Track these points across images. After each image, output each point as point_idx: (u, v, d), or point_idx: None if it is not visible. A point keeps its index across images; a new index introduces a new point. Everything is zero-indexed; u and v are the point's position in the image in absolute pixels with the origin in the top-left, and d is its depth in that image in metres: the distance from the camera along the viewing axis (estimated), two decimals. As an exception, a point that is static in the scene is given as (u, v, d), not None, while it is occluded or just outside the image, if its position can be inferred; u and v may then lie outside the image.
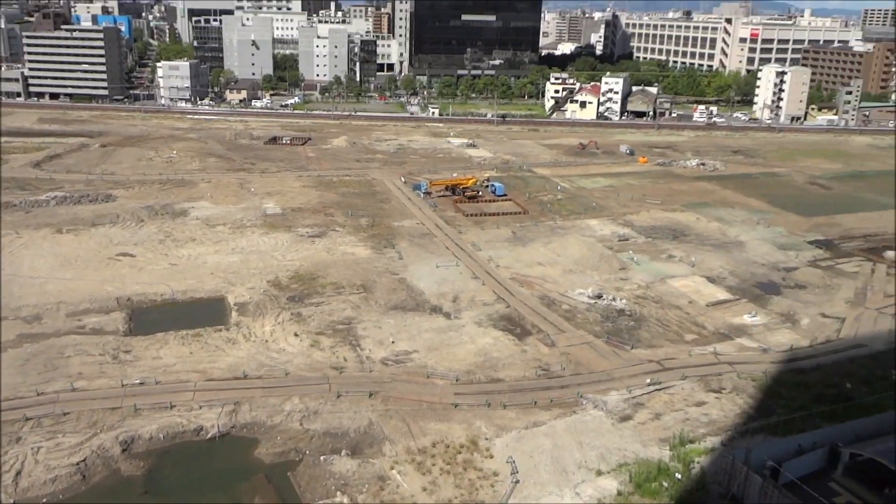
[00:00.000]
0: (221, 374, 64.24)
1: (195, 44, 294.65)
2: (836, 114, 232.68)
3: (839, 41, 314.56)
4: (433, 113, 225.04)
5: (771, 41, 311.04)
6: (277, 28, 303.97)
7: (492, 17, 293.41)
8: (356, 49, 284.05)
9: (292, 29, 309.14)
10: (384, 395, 61.51)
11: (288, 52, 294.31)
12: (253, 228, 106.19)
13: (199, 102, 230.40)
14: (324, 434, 56.21)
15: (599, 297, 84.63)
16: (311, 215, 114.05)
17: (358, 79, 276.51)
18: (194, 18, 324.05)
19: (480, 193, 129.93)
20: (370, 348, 70.14)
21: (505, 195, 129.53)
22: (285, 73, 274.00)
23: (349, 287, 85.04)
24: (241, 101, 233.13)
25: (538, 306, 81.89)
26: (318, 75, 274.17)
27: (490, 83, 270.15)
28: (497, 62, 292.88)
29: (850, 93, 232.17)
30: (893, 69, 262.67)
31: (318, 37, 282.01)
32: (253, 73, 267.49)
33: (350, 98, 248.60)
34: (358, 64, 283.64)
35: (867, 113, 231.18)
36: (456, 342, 72.23)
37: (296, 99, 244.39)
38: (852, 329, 78.10)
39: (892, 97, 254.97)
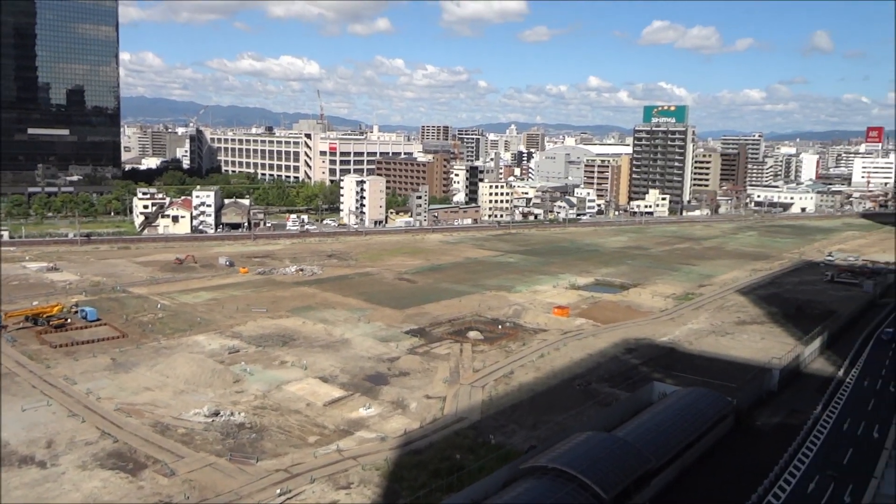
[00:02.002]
0: None
1: None
2: (411, 216, 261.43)
3: (405, 153, 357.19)
4: (2, 236, 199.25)
5: (348, 154, 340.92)
6: None
7: (65, 131, 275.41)
8: None
9: None
10: (-33, 576, 50.66)
11: None
12: None
13: None
14: None
15: (217, 414, 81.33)
16: None
17: None
18: None
19: (69, 321, 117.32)
20: (-59, 522, 57.61)
21: (99, 320, 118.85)
22: None
23: None
24: None
25: (151, 435, 75.63)
26: None
27: (69, 201, 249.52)
28: (75, 178, 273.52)
29: (419, 197, 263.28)
30: (451, 175, 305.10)
31: None
32: None
33: None
34: None
35: (436, 214, 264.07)
36: (56, 494, 62.86)
37: None
38: (453, 405, 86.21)
39: (453, 199, 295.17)
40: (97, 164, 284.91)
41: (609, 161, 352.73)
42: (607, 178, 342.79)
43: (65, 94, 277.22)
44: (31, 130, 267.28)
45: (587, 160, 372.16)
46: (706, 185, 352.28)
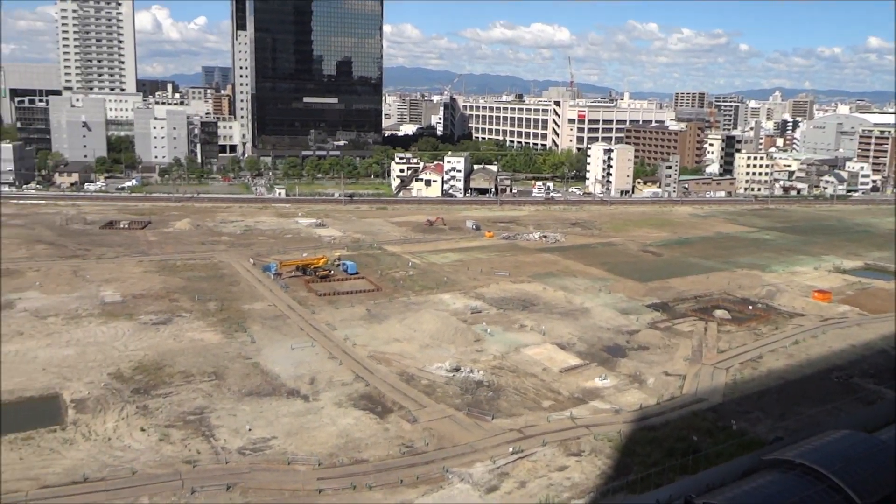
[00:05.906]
0: (58, 480, 58.42)
1: (18, 125, 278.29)
2: (659, 186, 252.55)
3: (656, 121, 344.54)
4: (279, 193, 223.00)
5: (597, 122, 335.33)
6: (111, 109, 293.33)
7: (334, 100, 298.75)
8: (196, 130, 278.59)
9: (127, 110, 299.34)
10: (243, 487, 58.19)
11: (123, 133, 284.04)
12: (90, 318, 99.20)
13: (23, 187, 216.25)
14: (178, 535, 52.15)
15: (457, 369, 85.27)
16: (154, 302, 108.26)
17: (199, 160, 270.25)
18: (17, 99, 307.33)
19: (332, 273, 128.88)
20: (225, 438, 66.49)
21: (357, 273, 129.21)
22: (121, 154, 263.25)
23: (199, 375, 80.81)
24: (72, 184, 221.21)
25: (398, 383, 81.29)
26: (156, 157, 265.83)
27: (336, 163, 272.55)
28: (341, 143, 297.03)
29: (669, 167, 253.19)
30: (705, 145, 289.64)
31: (156, 118, 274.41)
32: (85, 156, 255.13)
33: (192, 180, 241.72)
34: (199, 145, 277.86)
35: (686, 185, 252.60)
36: (316, 425, 69.97)
37: (133, 181, 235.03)
38: (693, 385, 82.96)
39: (706, 170, 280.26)
40: (361, 130, 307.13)
41: (889, 132, 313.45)
42: (886, 152, 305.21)
43: (335, 66, 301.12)
44: (305, 99, 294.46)
45: (863, 131, 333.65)
46: None
